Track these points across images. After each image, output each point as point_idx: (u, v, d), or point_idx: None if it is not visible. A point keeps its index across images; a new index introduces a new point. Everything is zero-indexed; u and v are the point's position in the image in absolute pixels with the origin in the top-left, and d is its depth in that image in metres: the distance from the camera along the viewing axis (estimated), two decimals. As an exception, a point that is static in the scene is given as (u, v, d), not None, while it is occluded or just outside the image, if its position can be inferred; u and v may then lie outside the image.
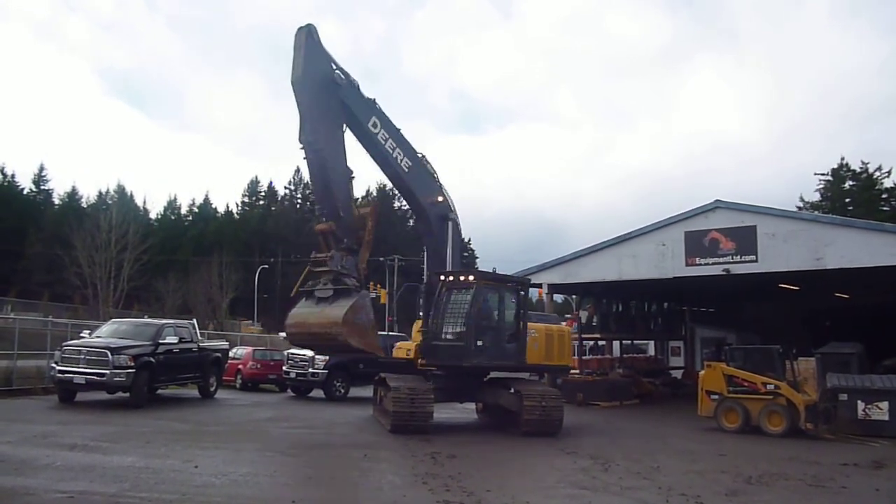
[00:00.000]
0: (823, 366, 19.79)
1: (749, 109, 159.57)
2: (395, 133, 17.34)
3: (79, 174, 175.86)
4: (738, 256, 22.82)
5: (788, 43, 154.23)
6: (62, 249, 58.40)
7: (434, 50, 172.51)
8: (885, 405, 17.13)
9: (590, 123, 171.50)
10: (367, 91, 16.62)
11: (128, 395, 18.65)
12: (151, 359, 19.18)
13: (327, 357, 23.61)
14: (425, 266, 17.17)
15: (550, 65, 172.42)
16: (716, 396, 18.21)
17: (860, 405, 17.32)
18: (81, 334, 20.85)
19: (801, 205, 62.51)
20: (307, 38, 15.48)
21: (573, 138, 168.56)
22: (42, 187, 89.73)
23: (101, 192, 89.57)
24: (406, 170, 17.60)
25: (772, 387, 17.47)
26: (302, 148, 15.32)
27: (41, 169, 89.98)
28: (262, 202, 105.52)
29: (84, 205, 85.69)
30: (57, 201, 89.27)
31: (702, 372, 19.78)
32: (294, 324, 15.79)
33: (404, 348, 18.38)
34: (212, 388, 22.82)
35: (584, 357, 30.43)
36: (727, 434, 17.38)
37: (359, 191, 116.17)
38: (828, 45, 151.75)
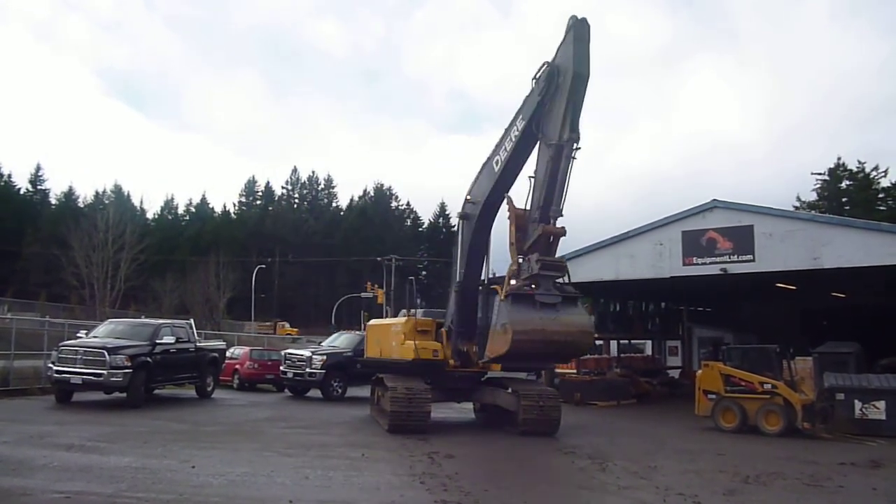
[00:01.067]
0: (821, 365, 19.80)
1: (748, 109, 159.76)
2: None
3: (76, 174, 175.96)
4: (736, 256, 22.80)
5: (788, 43, 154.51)
6: (59, 249, 58.44)
7: (433, 50, 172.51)
8: (881, 404, 17.13)
9: (589, 124, 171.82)
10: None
11: (125, 395, 18.63)
12: (148, 359, 19.15)
13: (324, 357, 23.64)
14: (463, 267, 16.62)
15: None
16: (713, 396, 18.22)
17: (857, 404, 17.32)
18: (78, 334, 20.81)
19: (798, 204, 62.60)
20: (589, 33, 14.36)
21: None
22: (39, 187, 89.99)
23: (97, 192, 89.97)
24: None
25: (769, 386, 17.47)
26: (557, 143, 14.04)
27: (38, 169, 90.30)
28: (259, 202, 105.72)
29: (81, 205, 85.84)
30: (54, 201, 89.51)
31: (699, 371, 19.79)
32: (528, 330, 14.15)
33: (430, 348, 16.94)
34: (209, 388, 22.78)
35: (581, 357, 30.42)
36: (724, 433, 17.38)
37: (356, 190, 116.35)
38: (828, 46, 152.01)
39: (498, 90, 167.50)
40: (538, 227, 14.32)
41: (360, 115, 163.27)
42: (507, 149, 15.62)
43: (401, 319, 18.03)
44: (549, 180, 14.28)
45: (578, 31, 14.20)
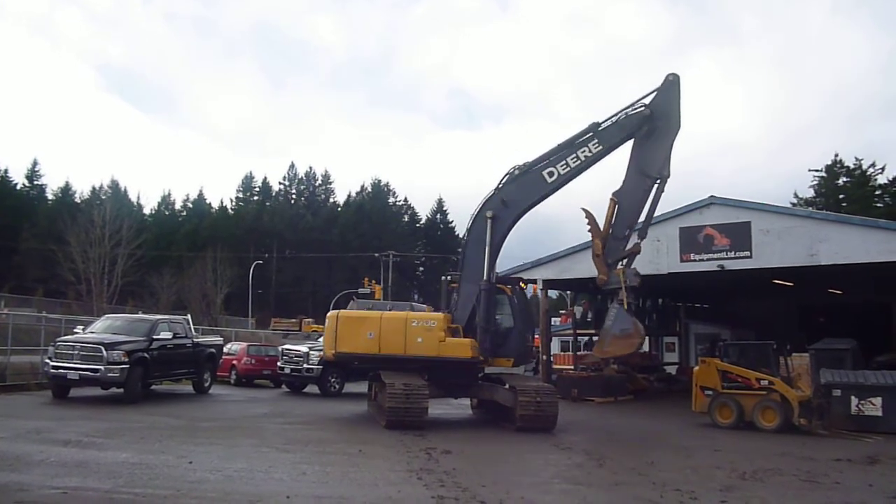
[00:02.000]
0: (817, 362, 19.81)
1: (746, 106, 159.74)
2: None
3: (72, 169, 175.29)
4: (733, 252, 22.86)
5: (787, 40, 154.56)
6: (56, 245, 58.31)
7: (432, 45, 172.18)
8: (878, 401, 17.17)
9: (587, 119, 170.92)
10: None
11: (122, 390, 18.63)
12: (145, 354, 19.14)
13: (321, 352, 23.63)
14: (489, 266, 17.08)
15: (549, 60, 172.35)
16: (710, 392, 18.25)
17: (854, 401, 17.35)
18: (75, 330, 20.80)
19: (795, 201, 62.64)
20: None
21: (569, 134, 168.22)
22: (36, 182, 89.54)
23: (94, 188, 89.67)
24: None
25: (766, 382, 17.51)
26: (657, 176, 16.19)
27: (35, 164, 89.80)
28: (256, 197, 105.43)
29: (78, 200, 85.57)
30: (51, 197, 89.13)
31: (696, 368, 19.83)
32: (642, 334, 16.13)
33: (468, 345, 16.55)
34: (206, 384, 22.78)
35: (578, 353, 30.51)
36: (721, 430, 17.42)
37: (354, 186, 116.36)
38: (827, 42, 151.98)
39: (495, 86, 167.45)
40: (633, 245, 16.63)
41: (357, 110, 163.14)
42: (572, 165, 16.70)
43: (435, 314, 17.39)
44: (640, 206, 16.45)
45: (675, 89, 16.44)
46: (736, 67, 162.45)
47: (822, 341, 21.80)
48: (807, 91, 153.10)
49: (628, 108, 16.56)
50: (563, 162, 16.70)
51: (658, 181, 16.17)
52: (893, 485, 11.21)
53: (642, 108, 16.34)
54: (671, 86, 16.41)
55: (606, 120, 16.67)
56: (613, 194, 16.47)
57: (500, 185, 17.17)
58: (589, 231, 16.53)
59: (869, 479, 11.62)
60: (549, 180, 16.83)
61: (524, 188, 17.05)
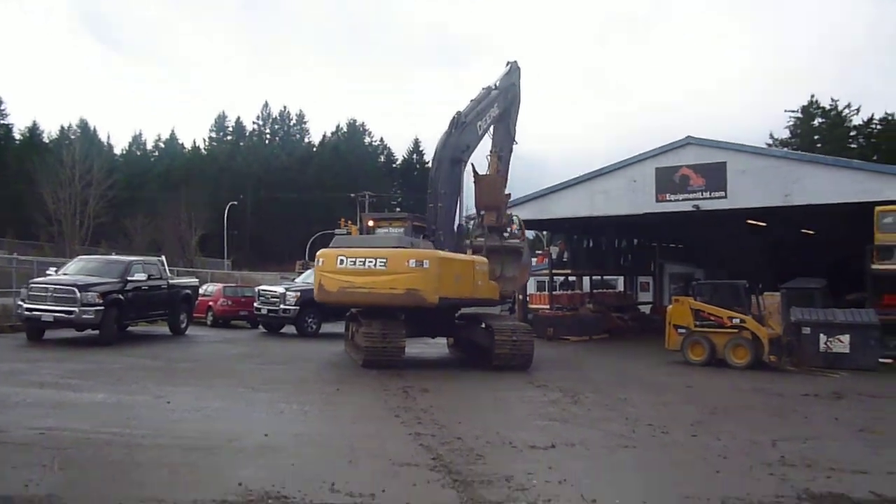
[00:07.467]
0: (788, 300, 20.18)
1: (731, 46, 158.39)
2: None
3: (40, 109, 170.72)
4: (708, 193, 22.97)
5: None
6: (25, 185, 57.22)
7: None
8: (846, 338, 17.57)
9: (573, 60, 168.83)
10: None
11: (97, 332, 18.53)
12: (120, 296, 18.99)
13: (298, 293, 23.63)
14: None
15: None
16: (683, 330, 18.55)
17: (822, 338, 17.73)
18: (48, 272, 20.51)
19: (770, 142, 62.78)
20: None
21: (554, 74, 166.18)
22: (1, 122, 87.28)
23: (63, 128, 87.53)
24: None
25: (737, 321, 17.81)
26: (515, 142, 20.20)
27: (0, 103, 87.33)
28: (229, 137, 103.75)
29: (46, 140, 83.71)
30: (18, 137, 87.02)
31: (670, 307, 20.11)
32: None
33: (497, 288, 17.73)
34: (182, 325, 22.71)
35: (554, 292, 30.77)
36: (693, 367, 17.77)
37: (329, 126, 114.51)
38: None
39: (477, 22, 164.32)
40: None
41: (334, 48, 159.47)
42: (488, 122, 18.90)
43: (481, 258, 17.33)
44: (509, 160, 20.03)
45: (519, 74, 20.35)
46: (721, 5, 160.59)
47: (793, 280, 22.16)
48: (791, 31, 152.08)
49: (490, 86, 19.17)
50: (484, 118, 18.66)
51: (516, 143, 19.97)
52: (858, 419, 11.52)
53: (495, 88, 19.18)
54: (514, 70, 20.04)
55: (495, 89, 19.21)
56: (493, 150, 19.20)
57: (455, 131, 17.65)
58: (485, 181, 18.50)
59: (835, 413, 11.96)
60: (479, 132, 18.60)
61: (471, 135, 18.29)
